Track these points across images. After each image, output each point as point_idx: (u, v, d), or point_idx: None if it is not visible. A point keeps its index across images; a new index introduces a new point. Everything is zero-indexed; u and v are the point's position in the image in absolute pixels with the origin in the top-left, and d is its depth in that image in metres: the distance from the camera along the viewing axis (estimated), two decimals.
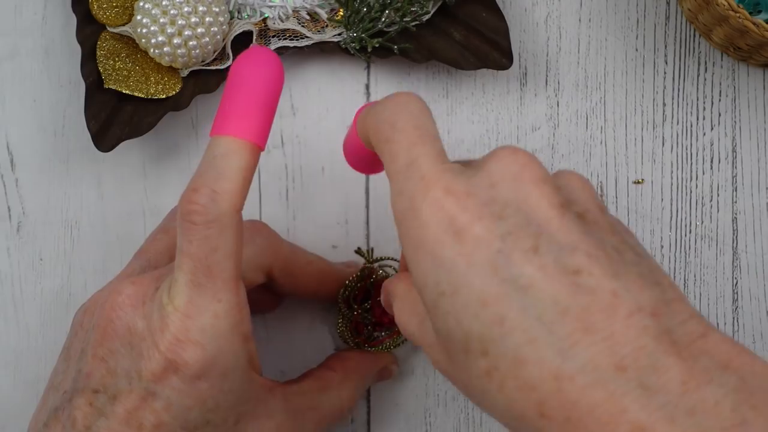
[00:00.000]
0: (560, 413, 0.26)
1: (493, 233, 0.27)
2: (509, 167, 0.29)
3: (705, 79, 0.46)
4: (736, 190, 0.45)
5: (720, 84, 0.46)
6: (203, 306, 0.32)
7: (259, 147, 0.33)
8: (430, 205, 0.28)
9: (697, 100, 0.46)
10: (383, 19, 0.44)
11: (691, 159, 0.46)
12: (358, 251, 0.44)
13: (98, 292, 0.36)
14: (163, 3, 0.42)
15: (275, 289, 0.41)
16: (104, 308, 0.33)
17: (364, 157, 0.35)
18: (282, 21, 0.44)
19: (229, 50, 0.44)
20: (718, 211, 0.45)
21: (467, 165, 0.30)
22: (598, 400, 0.25)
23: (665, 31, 0.46)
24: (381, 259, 0.45)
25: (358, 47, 0.44)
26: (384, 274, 0.44)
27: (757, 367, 0.26)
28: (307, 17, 0.45)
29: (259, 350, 0.36)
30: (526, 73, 0.46)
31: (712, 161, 0.46)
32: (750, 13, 0.41)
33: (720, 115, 0.46)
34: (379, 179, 0.46)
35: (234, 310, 0.32)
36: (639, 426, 0.24)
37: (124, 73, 0.43)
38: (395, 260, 0.45)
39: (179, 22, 0.42)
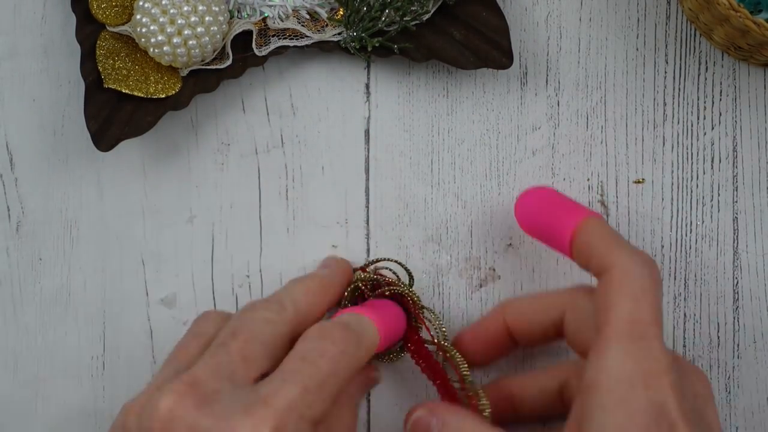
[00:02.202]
0: None
1: None
2: (704, 387, 0.35)
3: (706, 79, 0.46)
4: (736, 190, 0.45)
5: (721, 83, 0.45)
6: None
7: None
8: (659, 389, 0.32)
9: (698, 99, 0.45)
10: (383, 19, 0.43)
11: (692, 158, 0.45)
12: (358, 276, 0.44)
13: (141, 397, 0.35)
14: (163, 2, 0.42)
15: None
16: (158, 409, 0.33)
17: (549, 237, 0.39)
18: (282, 20, 0.44)
19: (228, 50, 0.44)
20: (718, 210, 0.45)
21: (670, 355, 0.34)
22: None
23: (666, 31, 0.46)
24: (378, 260, 0.44)
25: (358, 46, 0.44)
26: (371, 277, 0.43)
27: None
28: (307, 16, 0.44)
29: None
30: (526, 73, 0.46)
31: (712, 161, 0.45)
32: (751, 13, 0.41)
33: (720, 114, 0.45)
34: (379, 180, 0.46)
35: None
36: None
37: (124, 72, 0.43)
38: (391, 260, 0.44)
39: (179, 21, 0.42)
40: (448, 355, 0.41)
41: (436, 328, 0.42)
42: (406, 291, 0.42)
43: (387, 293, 0.42)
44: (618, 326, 0.33)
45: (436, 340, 0.42)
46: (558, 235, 0.38)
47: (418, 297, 0.42)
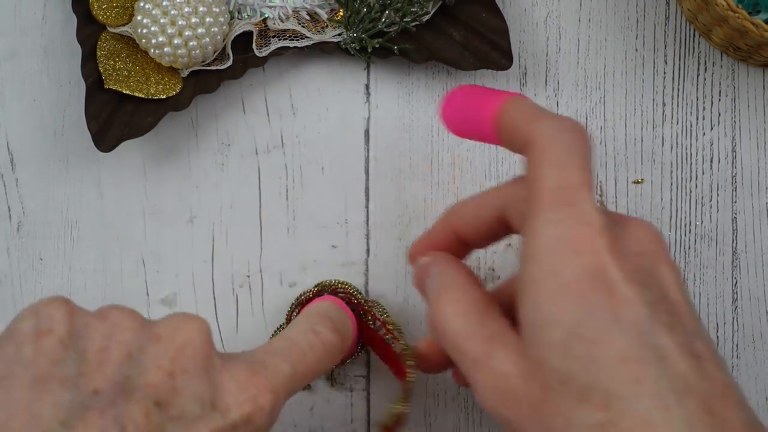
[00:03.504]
0: None
1: (641, 298, 0.29)
2: (652, 243, 0.32)
3: (705, 79, 0.46)
4: (735, 190, 0.45)
5: (720, 84, 0.46)
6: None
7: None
8: (593, 253, 0.30)
9: (697, 100, 0.46)
10: (383, 20, 0.44)
11: (691, 159, 0.46)
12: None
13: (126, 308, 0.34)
14: (164, 3, 0.42)
15: None
16: (185, 324, 0.32)
17: (475, 129, 0.35)
18: (282, 21, 0.44)
19: (229, 50, 0.44)
20: (717, 211, 0.45)
21: (609, 216, 0.32)
22: None
23: (665, 31, 0.46)
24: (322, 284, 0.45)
25: (358, 47, 0.44)
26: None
27: None
28: (307, 17, 0.45)
29: None
30: (525, 73, 0.46)
31: (711, 161, 0.46)
32: (749, 14, 0.41)
33: (720, 114, 0.46)
34: (379, 180, 0.46)
35: None
36: None
37: (125, 73, 0.43)
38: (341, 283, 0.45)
39: (179, 22, 0.42)
40: (392, 329, 0.42)
41: (380, 313, 0.42)
42: (350, 288, 0.43)
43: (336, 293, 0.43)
44: (544, 196, 0.31)
45: (383, 321, 0.42)
46: (483, 124, 0.35)
47: (358, 291, 0.43)
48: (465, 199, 0.38)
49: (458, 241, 0.38)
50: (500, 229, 0.36)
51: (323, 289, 0.44)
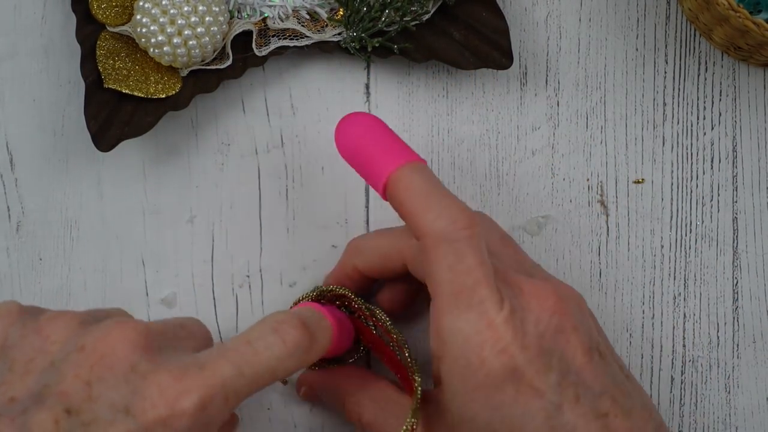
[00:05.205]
0: None
1: (546, 384, 0.33)
2: (552, 317, 0.34)
3: (705, 79, 0.46)
4: (736, 190, 0.45)
5: (720, 84, 0.46)
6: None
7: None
8: (499, 353, 0.33)
9: (698, 99, 0.46)
10: (383, 19, 0.44)
11: (692, 159, 0.46)
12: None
13: (72, 313, 0.35)
14: (163, 2, 0.42)
15: None
16: (109, 334, 0.32)
17: (366, 177, 0.37)
18: (282, 20, 0.44)
19: (228, 50, 0.44)
20: (718, 210, 0.45)
21: (502, 284, 0.34)
22: None
23: (665, 31, 0.46)
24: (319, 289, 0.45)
25: (358, 47, 0.44)
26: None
27: None
28: (307, 17, 0.45)
29: None
30: (526, 73, 0.46)
31: (712, 161, 0.45)
32: (750, 13, 0.41)
33: (720, 114, 0.45)
34: None
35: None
36: None
37: (124, 72, 0.43)
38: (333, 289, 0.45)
39: (179, 21, 0.42)
40: (396, 338, 0.42)
41: (381, 321, 0.42)
42: (349, 293, 0.43)
43: (336, 302, 0.43)
44: (443, 300, 0.34)
45: (385, 328, 0.42)
46: (374, 182, 0.37)
47: (361, 299, 0.43)
48: (365, 243, 0.41)
49: (364, 278, 0.42)
50: (405, 273, 0.39)
51: (321, 295, 0.43)
